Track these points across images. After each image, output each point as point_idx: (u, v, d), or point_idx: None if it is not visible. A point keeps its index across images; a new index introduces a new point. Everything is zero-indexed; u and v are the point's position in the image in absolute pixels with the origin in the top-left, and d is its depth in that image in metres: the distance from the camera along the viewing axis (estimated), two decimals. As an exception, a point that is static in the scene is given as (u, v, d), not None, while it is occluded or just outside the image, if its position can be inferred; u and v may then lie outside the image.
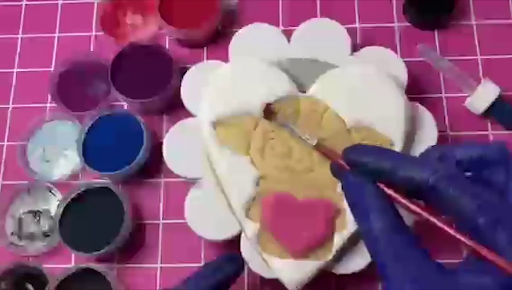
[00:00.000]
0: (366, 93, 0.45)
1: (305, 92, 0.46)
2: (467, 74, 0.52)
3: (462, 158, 0.28)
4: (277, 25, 0.55)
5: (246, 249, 0.43)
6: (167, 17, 0.54)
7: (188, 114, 0.48)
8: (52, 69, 0.57)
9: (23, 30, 0.59)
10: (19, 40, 0.58)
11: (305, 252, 0.41)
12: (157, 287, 0.49)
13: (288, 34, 0.50)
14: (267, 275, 0.43)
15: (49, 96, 0.55)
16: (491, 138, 0.52)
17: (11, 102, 0.56)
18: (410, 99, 0.46)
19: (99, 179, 0.51)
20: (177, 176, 0.47)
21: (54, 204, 0.51)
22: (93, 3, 0.59)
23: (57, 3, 0.59)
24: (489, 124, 0.52)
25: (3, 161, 0.54)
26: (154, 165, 0.52)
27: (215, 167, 0.44)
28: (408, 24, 0.56)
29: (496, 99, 0.50)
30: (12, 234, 0.51)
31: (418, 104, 0.47)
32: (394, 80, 0.46)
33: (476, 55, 0.55)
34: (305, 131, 0.42)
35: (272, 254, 0.42)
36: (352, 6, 0.57)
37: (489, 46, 0.55)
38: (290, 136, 0.43)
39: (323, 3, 0.57)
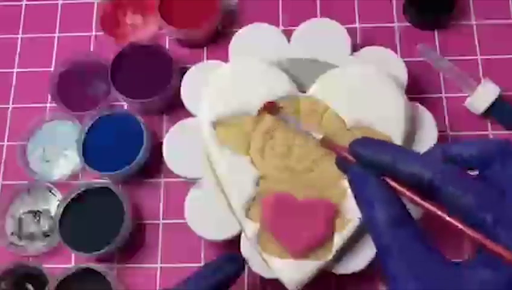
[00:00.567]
0: (366, 93, 0.45)
1: (305, 92, 0.46)
2: (467, 74, 0.52)
3: (464, 155, 0.28)
4: (277, 25, 0.55)
5: (246, 249, 0.43)
6: (167, 17, 0.54)
7: (188, 114, 0.48)
8: (52, 69, 0.57)
9: (23, 30, 0.59)
10: (19, 40, 0.58)
11: (305, 252, 0.41)
12: (157, 287, 0.49)
13: (288, 34, 0.50)
14: (267, 275, 0.43)
15: (49, 96, 0.55)
16: (491, 138, 0.52)
17: (11, 102, 0.56)
18: (410, 99, 0.46)
19: (99, 179, 0.51)
20: (177, 176, 0.47)
21: (54, 204, 0.51)
22: (93, 3, 0.59)
23: (57, 3, 0.59)
24: (489, 124, 0.52)
25: (3, 161, 0.54)
26: (154, 165, 0.52)
27: (215, 167, 0.44)
28: (408, 24, 0.56)
29: (496, 99, 0.50)
30: (12, 234, 0.51)
31: (418, 104, 0.47)
32: (394, 80, 0.46)
33: (476, 55, 0.55)
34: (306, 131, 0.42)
35: (272, 254, 0.42)
36: (352, 6, 0.57)
37: (489, 46, 0.55)
38: (293, 132, 0.43)
39: (323, 3, 0.57)
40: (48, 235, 0.50)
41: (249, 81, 0.45)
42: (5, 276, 0.49)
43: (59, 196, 0.51)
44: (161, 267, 0.50)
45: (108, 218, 0.48)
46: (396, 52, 0.53)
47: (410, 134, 0.45)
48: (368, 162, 0.29)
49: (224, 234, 0.44)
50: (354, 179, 0.29)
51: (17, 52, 0.58)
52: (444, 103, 0.53)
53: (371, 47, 0.49)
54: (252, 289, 0.48)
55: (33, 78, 0.57)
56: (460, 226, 0.25)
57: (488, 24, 0.56)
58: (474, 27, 0.56)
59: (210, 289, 0.39)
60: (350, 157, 0.30)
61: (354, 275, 0.44)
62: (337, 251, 0.42)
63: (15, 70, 0.57)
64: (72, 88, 0.55)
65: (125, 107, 0.54)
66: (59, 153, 0.53)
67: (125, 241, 0.49)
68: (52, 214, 0.51)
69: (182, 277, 0.40)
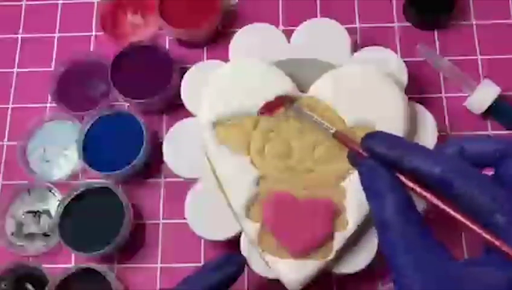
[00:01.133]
0: (366, 93, 0.45)
1: (305, 92, 0.46)
2: (467, 74, 0.52)
3: (481, 153, 0.28)
4: (277, 25, 0.55)
5: (246, 249, 0.43)
6: (167, 17, 0.54)
7: (188, 114, 0.48)
8: (52, 69, 0.57)
9: (23, 30, 0.59)
10: (19, 40, 0.58)
11: (305, 252, 0.41)
12: (157, 287, 0.49)
13: (288, 34, 0.50)
14: (267, 275, 0.43)
15: (49, 96, 0.55)
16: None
17: (11, 102, 0.56)
18: (410, 99, 0.46)
19: (99, 179, 0.51)
20: (177, 176, 0.47)
21: (54, 204, 0.51)
22: (93, 3, 0.59)
23: (57, 3, 0.59)
24: (489, 124, 0.52)
25: (3, 161, 0.54)
26: (154, 165, 0.52)
27: (215, 167, 0.44)
28: (408, 24, 0.56)
29: (496, 99, 0.50)
30: (12, 234, 0.51)
31: (418, 104, 0.47)
32: (394, 80, 0.46)
33: (476, 55, 0.55)
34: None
35: (272, 254, 0.42)
36: (352, 6, 0.57)
37: (489, 46, 0.55)
38: (291, 130, 0.43)
39: (323, 3, 0.57)
40: (48, 235, 0.50)
41: (249, 81, 0.45)
42: (5, 276, 0.49)
43: (59, 196, 0.51)
44: (161, 267, 0.50)
45: (108, 218, 0.48)
46: (396, 52, 0.53)
47: (410, 134, 0.45)
48: (380, 156, 0.28)
49: (224, 234, 0.45)
50: (365, 173, 0.29)
51: (17, 52, 0.58)
52: (444, 103, 0.53)
53: (371, 47, 0.49)
54: (252, 289, 0.48)
55: (33, 78, 0.57)
56: (472, 225, 0.25)
57: (488, 24, 0.56)
58: (474, 27, 0.56)
59: (210, 289, 0.39)
60: (362, 152, 0.30)
61: (354, 275, 0.44)
62: (337, 250, 0.42)
63: (15, 70, 0.57)
64: (72, 88, 0.55)
65: (125, 107, 0.54)
66: (59, 153, 0.53)
67: (125, 241, 0.49)
68: (52, 214, 0.51)
69: (182, 277, 0.40)
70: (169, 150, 0.47)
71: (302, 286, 0.42)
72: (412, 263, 0.25)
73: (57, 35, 0.58)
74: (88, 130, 0.51)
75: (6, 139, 0.55)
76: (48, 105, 0.55)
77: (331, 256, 0.42)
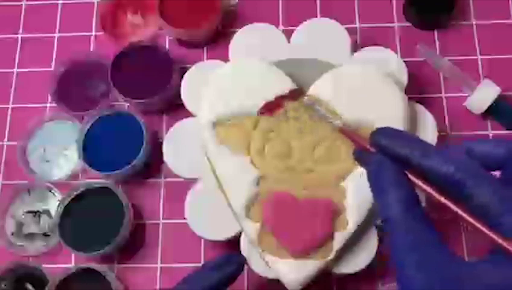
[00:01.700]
0: (366, 93, 0.45)
1: (305, 92, 0.46)
2: (467, 74, 0.52)
3: (489, 155, 0.28)
4: (277, 25, 0.55)
5: (246, 249, 0.43)
6: (167, 17, 0.54)
7: (188, 114, 0.48)
8: (52, 69, 0.57)
9: (23, 30, 0.59)
10: (19, 40, 0.58)
11: (305, 252, 0.41)
12: (157, 287, 0.49)
13: (288, 34, 0.50)
14: (267, 275, 0.43)
15: (49, 96, 0.55)
16: (490, 138, 0.52)
17: (11, 102, 0.56)
18: (410, 99, 0.46)
19: (99, 179, 0.51)
20: (177, 176, 0.47)
21: (54, 204, 0.51)
22: (93, 3, 0.59)
23: (57, 3, 0.59)
24: (489, 124, 0.52)
25: (3, 161, 0.54)
26: (154, 165, 0.52)
27: (215, 167, 0.44)
28: (408, 24, 0.56)
29: (496, 99, 0.50)
30: (12, 234, 0.51)
31: (418, 104, 0.47)
32: (394, 80, 0.46)
33: (476, 55, 0.55)
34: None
35: (272, 254, 0.42)
36: (352, 6, 0.57)
37: (489, 46, 0.55)
38: (291, 130, 0.43)
39: (323, 3, 0.57)
40: (48, 235, 0.50)
41: (249, 81, 0.45)
42: (5, 276, 0.49)
43: (59, 196, 0.51)
44: (161, 267, 0.50)
45: (108, 218, 0.48)
46: (396, 52, 0.53)
47: (410, 134, 0.45)
48: (388, 152, 0.28)
49: (224, 234, 0.45)
50: (373, 169, 0.29)
51: (17, 52, 0.58)
52: (444, 103, 0.53)
53: (371, 47, 0.49)
54: (252, 289, 0.48)
55: (33, 78, 0.57)
56: (480, 227, 0.25)
57: (488, 24, 0.56)
58: (474, 27, 0.56)
59: (210, 289, 0.39)
60: (369, 148, 0.29)
61: (354, 275, 0.44)
62: (337, 250, 0.42)
63: (15, 70, 0.57)
64: (72, 88, 0.55)
65: (125, 107, 0.54)
66: (59, 153, 0.53)
67: (125, 241, 0.49)
68: (52, 214, 0.51)
69: (182, 277, 0.40)
70: (169, 150, 0.47)
71: (302, 286, 0.42)
72: (415, 261, 0.25)
73: (57, 35, 0.58)
74: (88, 130, 0.51)
75: (6, 139, 0.55)
76: (48, 105, 0.55)
77: (331, 256, 0.42)
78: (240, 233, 0.44)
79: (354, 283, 0.47)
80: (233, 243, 0.44)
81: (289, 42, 0.49)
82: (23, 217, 0.51)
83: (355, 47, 0.50)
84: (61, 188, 0.51)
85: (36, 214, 0.51)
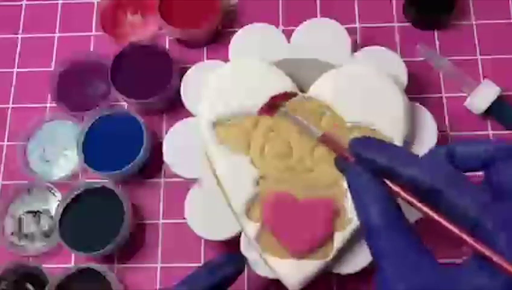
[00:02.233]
0: (366, 93, 0.45)
1: (305, 92, 0.46)
2: (467, 74, 0.52)
3: (471, 157, 0.28)
4: (277, 25, 0.55)
5: (246, 249, 0.43)
6: (167, 17, 0.54)
7: (188, 114, 0.48)
8: (52, 69, 0.57)
9: (23, 30, 0.59)
10: (19, 40, 0.58)
11: (306, 252, 0.41)
12: (157, 287, 0.49)
13: (288, 34, 0.50)
14: (267, 275, 0.43)
15: (49, 96, 0.55)
16: (491, 137, 0.52)
17: (11, 102, 0.56)
18: (410, 99, 0.46)
19: (99, 179, 0.51)
20: (177, 176, 0.47)
21: (54, 204, 0.51)
22: (93, 3, 0.59)
23: (57, 3, 0.59)
24: (489, 124, 0.52)
25: (3, 161, 0.54)
26: (154, 165, 0.52)
27: (215, 167, 0.44)
28: (408, 24, 0.56)
29: (496, 99, 0.50)
30: (12, 234, 0.51)
31: (418, 104, 0.47)
32: (394, 80, 0.46)
33: (476, 55, 0.55)
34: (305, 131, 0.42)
35: (272, 254, 0.42)
36: (352, 6, 0.57)
37: (489, 46, 0.55)
38: (291, 130, 0.43)
39: (323, 3, 0.57)
40: (48, 235, 0.50)
41: (249, 81, 0.45)
42: (5, 276, 0.49)
43: (59, 196, 0.51)
44: (161, 267, 0.50)
45: (108, 218, 0.48)
46: (396, 52, 0.53)
47: (410, 134, 0.45)
48: (366, 161, 0.28)
49: (224, 234, 0.44)
50: (351, 178, 0.29)
51: (17, 52, 0.58)
52: (444, 103, 0.53)
53: (371, 47, 0.49)
54: (252, 289, 0.48)
55: (33, 78, 0.57)
56: (458, 232, 0.25)
57: (488, 24, 0.56)
58: (474, 27, 0.56)
59: (210, 288, 0.39)
60: (349, 156, 0.30)
61: (354, 275, 0.44)
62: (337, 250, 0.42)
63: (15, 70, 0.57)
64: (72, 88, 0.55)
65: (125, 107, 0.54)
66: (59, 153, 0.53)
67: (125, 241, 0.49)
68: (52, 214, 0.51)
69: (182, 277, 0.40)
70: (169, 150, 0.47)
71: (302, 286, 0.42)
72: (396, 271, 0.26)
73: (57, 35, 0.58)
74: (88, 130, 0.51)
75: (6, 139, 0.55)
76: (48, 105, 0.55)
77: (331, 256, 0.42)
78: (240, 233, 0.44)
79: (354, 283, 0.48)
80: (233, 243, 0.44)
81: (289, 42, 0.49)
82: (23, 217, 0.51)
83: (355, 47, 0.50)
84: (61, 188, 0.51)
85: (36, 214, 0.51)
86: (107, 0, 0.57)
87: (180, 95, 0.49)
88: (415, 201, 0.27)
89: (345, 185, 0.42)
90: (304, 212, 0.42)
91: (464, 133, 0.52)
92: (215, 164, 0.44)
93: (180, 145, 0.47)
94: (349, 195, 0.42)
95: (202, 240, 0.49)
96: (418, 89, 0.53)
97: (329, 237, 0.42)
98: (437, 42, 0.55)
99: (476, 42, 0.55)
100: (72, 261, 0.50)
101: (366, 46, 0.50)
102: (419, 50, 0.54)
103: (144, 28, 0.57)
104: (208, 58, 0.56)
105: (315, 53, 0.48)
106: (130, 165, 0.49)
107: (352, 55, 0.49)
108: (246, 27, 0.50)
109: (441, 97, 0.53)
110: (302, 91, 0.46)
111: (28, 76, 0.57)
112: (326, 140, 0.37)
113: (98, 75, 0.54)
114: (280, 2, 0.57)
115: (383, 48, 0.49)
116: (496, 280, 0.24)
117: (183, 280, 0.40)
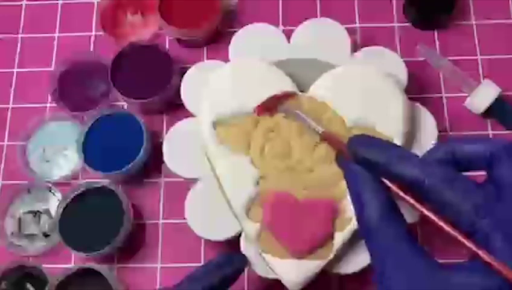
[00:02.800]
0: (366, 93, 0.45)
1: (305, 92, 0.46)
2: (467, 73, 0.52)
3: (472, 155, 0.28)
4: (277, 25, 0.55)
5: (246, 249, 0.43)
6: (167, 17, 0.54)
7: (188, 114, 0.48)
8: (52, 69, 0.57)
9: (23, 30, 0.59)
10: (19, 40, 0.58)
11: (306, 252, 0.41)
12: (157, 287, 0.49)
13: (288, 34, 0.50)
14: (267, 275, 0.43)
15: (49, 96, 0.55)
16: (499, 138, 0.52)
17: (11, 102, 0.56)
18: (410, 99, 0.46)
19: (99, 179, 0.51)
20: (177, 176, 0.47)
21: (54, 204, 0.51)
22: (93, 3, 0.59)
23: (57, 3, 0.59)
24: (489, 124, 0.52)
25: (3, 161, 0.54)
26: (154, 165, 0.52)
27: (215, 167, 0.44)
28: (408, 24, 0.56)
29: (496, 99, 0.50)
30: (12, 234, 0.51)
31: (418, 104, 0.47)
32: (394, 80, 0.46)
33: (476, 55, 0.55)
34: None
35: (272, 254, 0.42)
36: (352, 6, 0.57)
37: (489, 46, 0.55)
38: (291, 130, 0.43)
39: (323, 3, 0.57)
40: (48, 235, 0.50)
41: (249, 81, 0.45)
42: (5, 276, 0.49)
43: (59, 196, 0.51)
44: (161, 267, 0.50)
45: (108, 218, 0.48)
46: (396, 52, 0.53)
47: (410, 134, 0.45)
48: (363, 160, 0.29)
49: (224, 234, 0.44)
50: (349, 176, 0.29)
51: (17, 52, 0.58)
52: (444, 103, 0.53)
53: (371, 47, 0.49)
54: (252, 289, 0.48)
55: (33, 78, 0.57)
56: (452, 232, 0.25)
57: (488, 24, 0.56)
58: (474, 27, 0.56)
59: (210, 288, 0.39)
60: (347, 153, 0.30)
61: (354, 275, 0.44)
62: (337, 250, 0.42)
63: (15, 70, 0.57)
64: (72, 88, 0.55)
65: (125, 107, 0.54)
66: (59, 153, 0.53)
67: (125, 241, 0.49)
68: (52, 214, 0.51)
69: (182, 277, 0.40)
70: (169, 150, 0.47)
71: (302, 286, 0.42)
72: (392, 270, 0.26)
73: (57, 35, 0.58)
74: (88, 130, 0.51)
75: (6, 139, 0.55)
76: (48, 105, 0.55)
77: (331, 256, 0.42)
78: (240, 233, 0.44)
79: (354, 283, 0.48)
80: (233, 243, 0.44)
81: (289, 42, 0.49)
82: (23, 217, 0.51)
83: (355, 47, 0.50)
84: (61, 188, 0.51)
85: (36, 214, 0.51)
86: (107, 0, 0.57)
87: (180, 95, 0.49)
88: (412, 200, 0.27)
89: (345, 185, 0.42)
90: (304, 212, 0.42)
91: (464, 133, 0.52)
92: (215, 164, 0.44)
93: (180, 145, 0.47)
94: (349, 195, 0.42)
95: (202, 240, 0.49)
96: (418, 89, 0.53)
97: (329, 237, 0.42)
98: (437, 42, 0.55)
99: (476, 42, 0.55)
100: (72, 261, 0.50)
101: (366, 46, 0.50)
102: (419, 50, 0.54)
103: (144, 28, 0.57)
104: (208, 58, 0.56)
105: (315, 53, 0.48)
106: (130, 165, 0.49)
107: (352, 55, 0.49)
108: (246, 27, 0.50)
109: (441, 97, 0.53)
110: (302, 91, 0.46)
111: (28, 76, 0.57)
112: (327, 137, 0.37)
113: (98, 75, 0.54)
114: (280, 2, 0.57)
115: (383, 48, 0.49)
116: (491, 280, 0.24)
117: (183, 280, 0.40)
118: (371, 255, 0.27)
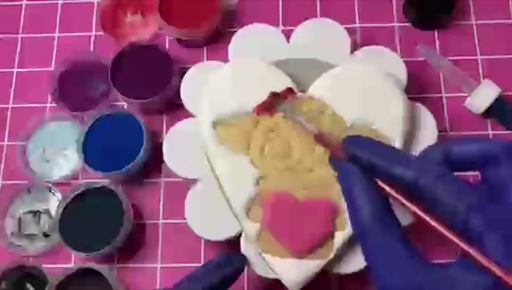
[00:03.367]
0: (366, 93, 0.45)
1: (305, 92, 0.46)
2: (467, 73, 0.52)
3: (466, 155, 0.28)
4: (277, 25, 0.55)
5: (246, 249, 0.43)
6: (167, 17, 0.54)
7: (188, 114, 0.48)
8: (52, 69, 0.57)
9: (23, 30, 0.59)
10: (19, 40, 0.58)
11: (306, 252, 0.41)
12: (157, 287, 0.49)
13: (288, 34, 0.50)
14: (267, 275, 0.43)
15: (49, 96, 0.55)
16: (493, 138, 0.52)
17: (11, 102, 0.56)
18: (410, 99, 0.46)
19: (99, 179, 0.51)
20: (177, 176, 0.47)
21: (54, 204, 0.51)
22: (93, 3, 0.59)
23: (57, 3, 0.59)
24: (489, 124, 0.52)
25: (3, 161, 0.54)
26: (154, 165, 0.52)
27: (215, 167, 0.44)
28: (408, 24, 0.56)
29: (496, 99, 0.50)
30: (12, 234, 0.51)
31: (418, 104, 0.47)
32: (394, 79, 0.46)
33: (476, 55, 0.55)
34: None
35: (272, 254, 0.42)
36: (352, 6, 0.57)
37: (489, 46, 0.55)
38: (291, 129, 0.43)
39: (323, 3, 0.57)
40: (48, 235, 0.50)
41: (249, 81, 0.45)
42: (5, 276, 0.49)
43: (59, 196, 0.51)
44: (161, 267, 0.50)
45: (108, 218, 0.48)
46: (396, 52, 0.53)
47: (410, 134, 0.45)
48: (357, 160, 0.29)
49: (224, 234, 0.44)
50: (343, 177, 0.29)
51: (17, 52, 0.58)
52: (444, 103, 0.53)
53: (371, 47, 0.49)
54: (252, 289, 0.48)
55: (33, 78, 0.57)
56: (445, 232, 0.25)
57: (488, 24, 0.56)
58: (474, 27, 0.56)
59: (210, 288, 0.39)
60: (340, 154, 0.30)
61: (354, 275, 0.44)
62: (337, 250, 0.42)
63: (15, 70, 0.57)
64: (72, 88, 0.55)
65: (125, 107, 0.54)
66: (59, 153, 0.53)
67: (125, 241, 0.49)
68: (52, 214, 0.51)
69: (182, 277, 0.40)
70: (169, 150, 0.47)
71: (302, 286, 0.42)
72: (385, 270, 0.26)
73: (57, 35, 0.58)
74: (88, 130, 0.51)
75: (6, 139, 0.55)
76: (48, 105, 0.55)
77: (331, 256, 0.42)
78: (240, 233, 0.44)
79: (354, 283, 0.48)
80: (233, 243, 0.44)
81: (289, 42, 0.49)
82: (23, 217, 0.51)
83: (355, 47, 0.50)
84: (61, 188, 0.51)
85: (36, 214, 0.51)
86: (107, 0, 0.57)
87: (180, 95, 0.49)
88: (405, 201, 0.27)
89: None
90: (304, 212, 0.42)
91: (464, 133, 0.52)
92: (215, 164, 0.44)
93: (180, 145, 0.47)
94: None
95: (202, 240, 0.49)
96: (418, 89, 0.53)
97: (330, 237, 0.42)
98: (437, 42, 0.55)
99: (476, 42, 0.55)
100: (72, 261, 0.50)
101: (366, 46, 0.50)
102: (419, 50, 0.54)
103: (144, 28, 0.57)
104: (208, 58, 0.56)
105: (315, 53, 0.48)
106: (130, 165, 0.49)
107: (352, 55, 0.49)
108: (246, 27, 0.50)
109: (441, 97, 0.53)
110: (302, 91, 0.46)
111: (28, 76, 0.57)
112: (320, 138, 0.37)
113: (98, 75, 0.54)
114: (280, 2, 0.57)
115: (383, 47, 0.49)
116: (484, 280, 0.24)
117: (183, 280, 0.40)
118: (365, 254, 0.27)
